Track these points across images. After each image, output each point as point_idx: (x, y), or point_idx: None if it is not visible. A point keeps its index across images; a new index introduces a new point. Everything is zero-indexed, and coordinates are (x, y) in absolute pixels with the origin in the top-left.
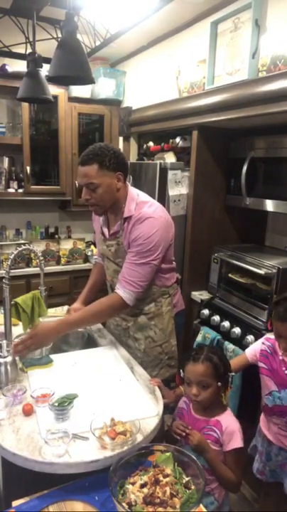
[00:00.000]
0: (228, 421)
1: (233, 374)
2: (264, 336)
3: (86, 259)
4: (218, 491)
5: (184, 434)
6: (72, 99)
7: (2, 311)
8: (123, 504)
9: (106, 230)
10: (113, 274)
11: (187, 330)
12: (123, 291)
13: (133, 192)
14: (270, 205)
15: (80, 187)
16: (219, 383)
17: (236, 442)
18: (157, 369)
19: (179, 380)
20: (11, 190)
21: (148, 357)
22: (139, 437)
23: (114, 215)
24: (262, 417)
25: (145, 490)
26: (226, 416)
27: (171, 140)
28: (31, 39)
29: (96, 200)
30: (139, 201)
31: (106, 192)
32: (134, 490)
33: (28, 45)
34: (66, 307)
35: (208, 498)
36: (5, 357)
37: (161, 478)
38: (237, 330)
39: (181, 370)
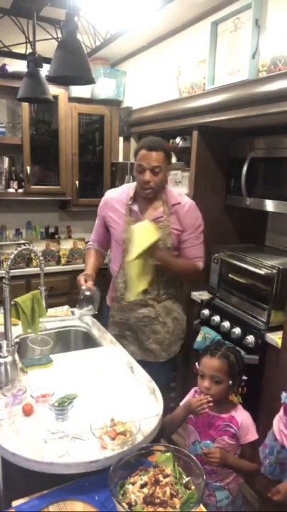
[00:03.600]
0: (242, 416)
1: (246, 378)
2: None
3: None
4: (232, 485)
5: (205, 402)
6: (72, 99)
7: (2, 311)
8: (124, 504)
9: (141, 217)
10: None
11: (188, 330)
12: (200, 263)
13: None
14: (270, 205)
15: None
16: (231, 382)
17: (252, 435)
18: (177, 343)
19: (195, 370)
20: (11, 190)
21: (173, 336)
22: (139, 437)
23: (151, 202)
24: (278, 416)
25: (145, 490)
26: (239, 411)
27: (171, 140)
28: (31, 39)
29: (155, 184)
30: (177, 192)
31: (162, 179)
32: (134, 490)
33: (28, 45)
34: (66, 307)
35: (223, 492)
36: (5, 357)
37: (161, 478)
38: (237, 330)
39: (197, 363)
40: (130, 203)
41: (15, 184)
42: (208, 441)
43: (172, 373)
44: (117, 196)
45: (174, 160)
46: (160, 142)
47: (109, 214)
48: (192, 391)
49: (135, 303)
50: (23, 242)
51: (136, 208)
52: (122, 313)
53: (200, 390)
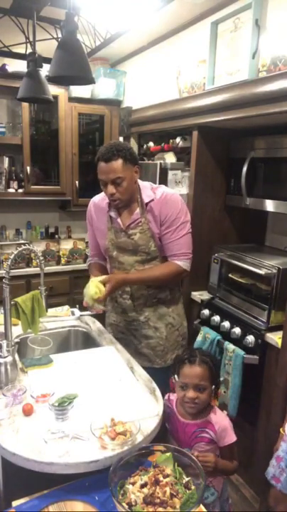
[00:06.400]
0: (218, 419)
1: (222, 379)
2: None
3: (86, 259)
4: (216, 482)
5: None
6: (72, 99)
7: (2, 311)
8: (124, 504)
9: (120, 222)
10: (131, 267)
11: (188, 330)
12: (179, 261)
13: (142, 181)
14: (270, 205)
15: (100, 183)
16: (213, 386)
17: (231, 437)
18: (175, 351)
19: (172, 385)
20: (11, 190)
21: (168, 342)
22: (139, 437)
23: (127, 206)
24: None
25: (145, 490)
26: (215, 414)
27: (171, 140)
28: (31, 39)
29: (121, 193)
30: (153, 187)
31: (129, 185)
32: (134, 490)
33: (28, 45)
34: (66, 307)
35: (209, 490)
36: (5, 357)
37: (161, 478)
38: (237, 330)
39: (175, 376)
40: (107, 209)
41: (15, 184)
42: (185, 449)
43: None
44: (99, 203)
45: (174, 160)
46: (116, 147)
47: (94, 221)
48: (167, 397)
49: (124, 306)
50: (23, 242)
51: (113, 214)
52: (115, 315)
53: (182, 402)
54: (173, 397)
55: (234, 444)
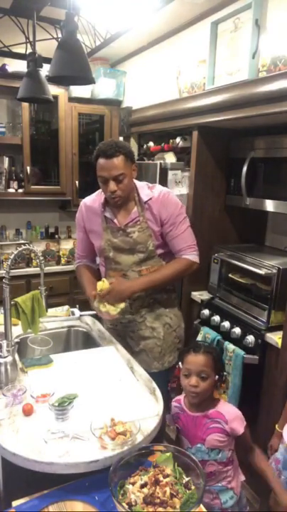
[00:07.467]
0: (226, 408)
1: (226, 373)
2: None
3: None
4: (236, 485)
5: None
6: (72, 99)
7: (2, 311)
8: (124, 504)
9: (116, 222)
10: (128, 267)
11: (188, 330)
12: (188, 255)
13: (138, 181)
14: (270, 205)
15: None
16: (217, 376)
17: (243, 424)
18: (173, 354)
19: (179, 372)
20: (11, 190)
21: (166, 343)
22: (139, 437)
23: (123, 205)
24: None
25: (145, 490)
26: (222, 404)
27: (171, 140)
28: (31, 39)
29: (122, 190)
30: (149, 186)
31: (130, 182)
32: (134, 490)
33: (28, 45)
34: (66, 307)
35: (227, 493)
36: (5, 357)
37: (161, 478)
38: (237, 330)
39: (180, 363)
40: (102, 209)
41: (15, 184)
42: (199, 445)
43: (168, 385)
44: (91, 204)
45: (174, 160)
46: (117, 144)
47: (87, 223)
48: (173, 405)
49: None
50: (23, 242)
51: (108, 214)
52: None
53: (186, 390)
54: (180, 397)
55: (247, 430)
